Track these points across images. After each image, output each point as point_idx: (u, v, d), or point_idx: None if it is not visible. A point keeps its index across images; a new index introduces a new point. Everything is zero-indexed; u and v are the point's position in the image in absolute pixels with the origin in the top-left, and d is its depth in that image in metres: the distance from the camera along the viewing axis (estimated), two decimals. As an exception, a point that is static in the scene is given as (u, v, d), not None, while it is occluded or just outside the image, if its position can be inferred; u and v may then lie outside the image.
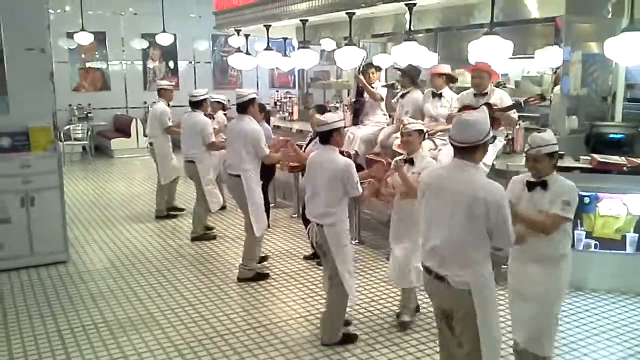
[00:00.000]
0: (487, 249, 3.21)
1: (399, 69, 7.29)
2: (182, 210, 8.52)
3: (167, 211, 8.42)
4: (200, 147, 7.15)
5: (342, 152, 4.64)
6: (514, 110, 5.84)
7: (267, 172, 7.05)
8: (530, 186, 3.66)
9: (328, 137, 4.47)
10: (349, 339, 4.61)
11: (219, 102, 8.53)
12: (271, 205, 7.93)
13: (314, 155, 4.65)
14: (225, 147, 7.35)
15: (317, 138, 4.77)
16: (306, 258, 6.52)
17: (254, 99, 5.98)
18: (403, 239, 4.78)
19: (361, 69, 7.75)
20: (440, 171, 3.49)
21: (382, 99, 7.41)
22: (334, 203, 4.42)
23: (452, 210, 3.18)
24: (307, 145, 6.51)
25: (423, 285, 3.66)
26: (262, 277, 5.99)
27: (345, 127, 7.78)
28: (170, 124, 8.08)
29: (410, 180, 4.55)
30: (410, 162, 4.74)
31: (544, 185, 3.62)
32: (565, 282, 3.69)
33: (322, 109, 6.64)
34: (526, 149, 3.73)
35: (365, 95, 7.51)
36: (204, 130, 7.12)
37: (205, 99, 7.38)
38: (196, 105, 7.29)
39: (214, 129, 7.93)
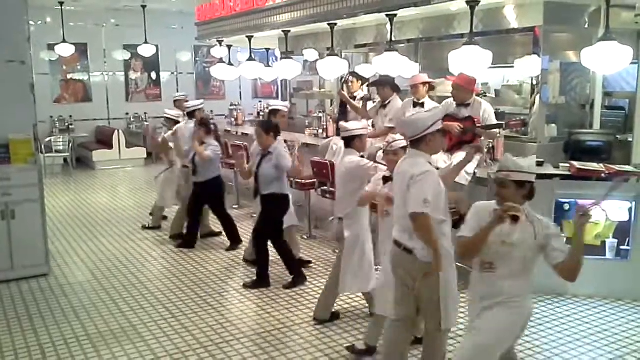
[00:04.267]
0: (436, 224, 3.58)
1: (373, 84, 7.36)
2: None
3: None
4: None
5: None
6: (494, 119, 5.89)
7: (215, 188, 7.21)
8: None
9: (350, 141, 4.94)
10: (334, 316, 5.16)
11: (171, 119, 8.09)
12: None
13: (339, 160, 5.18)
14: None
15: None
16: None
17: (274, 109, 6.46)
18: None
19: (344, 78, 7.82)
20: (402, 161, 3.93)
21: (366, 113, 7.36)
22: (351, 199, 4.77)
23: (402, 188, 3.68)
24: (259, 164, 5.92)
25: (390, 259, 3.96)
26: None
27: (328, 137, 7.89)
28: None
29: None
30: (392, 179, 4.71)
31: (515, 218, 3.11)
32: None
33: (267, 125, 6.10)
34: (494, 171, 3.43)
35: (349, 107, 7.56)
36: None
37: (198, 109, 7.71)
38: (190, 115, 7.68)
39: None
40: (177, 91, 15.54)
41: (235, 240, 7.35)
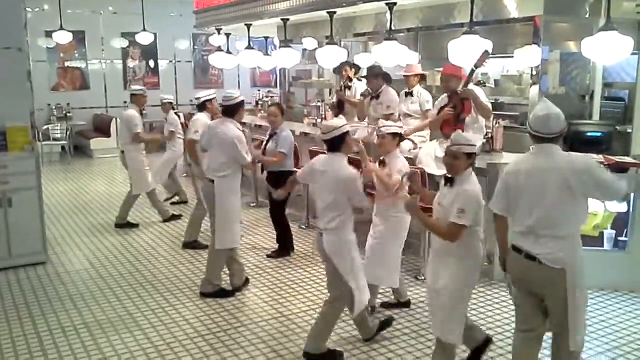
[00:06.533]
0: (578, 224, 3.47)
1: (365, 77, 7.35)
2: (136, 225, 7.94)
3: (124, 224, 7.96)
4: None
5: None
6: (487, 101, 5.87)
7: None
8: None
9: (337, 143, 4.23)
10: (332, 355, 4.35)
11: (170, 102, 8.78)
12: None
13: (319, 161, 4.37)
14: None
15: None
16: (268, 256, 6.56)
17: (242, 101, 5.62)
18: (374, 234, 4.89)
19: (342, 81, 7.84)
20: (525, 158, 3.62)
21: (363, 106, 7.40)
22: (337, 210, 4.16)
23: (542, 187, 3.39)
24: (267, 142, 6.51)
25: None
26: (225, 293, 5.54)
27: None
28: (139, 129, 7.64)
29: (384, 178, 4.61)
30: (382, 162, 4.80)
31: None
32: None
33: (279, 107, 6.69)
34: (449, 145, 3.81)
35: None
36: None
37: (209, 100, 7.00)
38: (200, 107, 7.07)
39: (170, 131, 8.41)
40: (176, 80, 15.56)
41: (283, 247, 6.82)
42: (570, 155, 3.55)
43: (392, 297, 5.24)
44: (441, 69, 7.42)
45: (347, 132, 4.30)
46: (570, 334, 3.41)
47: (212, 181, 5.46)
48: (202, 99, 7.04)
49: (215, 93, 7.23)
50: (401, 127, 4.98)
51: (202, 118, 6.89)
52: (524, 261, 3.48)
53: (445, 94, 6.02)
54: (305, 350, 4.34)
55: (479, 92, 5.91)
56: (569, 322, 3.40)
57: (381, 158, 4.84)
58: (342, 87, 7.71)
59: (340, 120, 4.46)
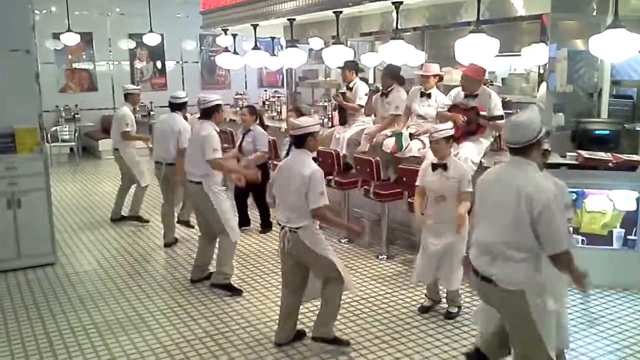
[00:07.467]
0: (533, 250, 3.14)
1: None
2: (146, 221, 8.11)
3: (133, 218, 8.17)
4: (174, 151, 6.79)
5: (314, 159, 4.49)
6: (501, 109, 5.86)
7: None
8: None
9: (302, 141, 4.31)
10: (339, 341, 4.50)
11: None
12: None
13: (286, 160, 4.50)
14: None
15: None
16: None
17: (219, 105, 5.69)
18: (441, 239, 4.90)
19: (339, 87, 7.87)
20: (496, 168, 3.49)
21: (362, 107, 7.43)
22: (304, 206, 4.25)
23: (500, 204, 3.21)
24: (288, 150, 6.37)
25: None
26: (232, 289, 5.64)
27: (332, 127, 7.88)
28: (129, 129, 7.83)
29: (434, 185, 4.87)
30: (443, 167, 4.84)
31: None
32: None
33: (298, 111, 6.72)
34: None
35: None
36: (181, 132, 6.72)
37: (186, 102, 7.06)
38: (177, 107, 6.98)
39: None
40: (183, 80, 15.57)
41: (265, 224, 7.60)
42: (538, 182, 3.14)
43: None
44: (448, 68, 7.48)
45: (315, 131, 4.35)
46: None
47: (198, 183, 5.54)
48: (181, 100, 7.07)
49: (187, 95, 7.31)
50: (452, 128, 5.03)
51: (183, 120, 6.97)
52: (481, 284, 3.33)
53: (460, 89, 6.00)
54: (315, 335, 4.45)
55: (496, 100, 5.89)
56: (540, 342, 3.21)
57: (440, 162, 4.89)
58: (338, 92, 7.72)
59: (309, 119, 4.59)
